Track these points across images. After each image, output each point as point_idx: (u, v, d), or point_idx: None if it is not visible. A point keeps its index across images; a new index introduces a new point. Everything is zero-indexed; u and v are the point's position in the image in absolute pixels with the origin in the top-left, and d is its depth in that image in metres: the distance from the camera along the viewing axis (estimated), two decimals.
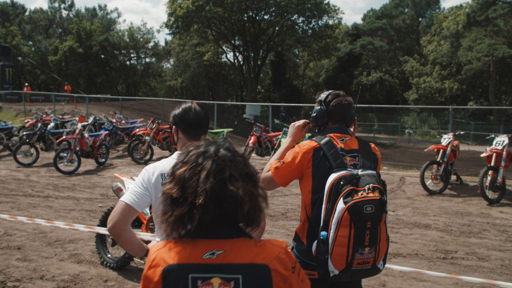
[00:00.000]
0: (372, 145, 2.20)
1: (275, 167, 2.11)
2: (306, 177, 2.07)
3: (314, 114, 2.25)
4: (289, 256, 1.20)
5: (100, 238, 4.30)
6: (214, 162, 1.17)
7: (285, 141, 2.32)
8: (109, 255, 4.23)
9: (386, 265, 2.10)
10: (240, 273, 1.11)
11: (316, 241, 1.94)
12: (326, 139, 2.10)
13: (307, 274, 1.38)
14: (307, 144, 2.11)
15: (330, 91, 2.27)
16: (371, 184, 1.90)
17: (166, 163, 1.83)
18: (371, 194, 1.87)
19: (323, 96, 2.25)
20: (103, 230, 3.98)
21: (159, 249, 1.17)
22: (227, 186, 1.14)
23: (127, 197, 1.77)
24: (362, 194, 1.86)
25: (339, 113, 2.20)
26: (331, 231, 1.87)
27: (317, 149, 2.06)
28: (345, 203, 1.85)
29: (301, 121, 2.34)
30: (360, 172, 1.95)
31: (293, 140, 2.32)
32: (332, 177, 1.94)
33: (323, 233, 1.89)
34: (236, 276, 1.11)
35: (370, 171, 1.98)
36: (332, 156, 2.02)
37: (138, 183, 1.81)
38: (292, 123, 2.39)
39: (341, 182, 1.90)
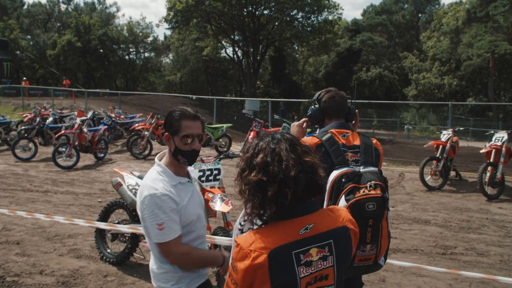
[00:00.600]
0: (374, 140, 2.19)
1: None
2: None
3: (309, 113, 2.29)
4: (351, 215, 1.47)
5: (100, 233, 4.29)
6: (286, 143, 1.32)
7: None
8: (108, 250, 4.23)
9: (386, 261, 2.09)
10: (331, 238, 1.30)
11: None
12: (328, 135, 2.09)
13: None
14: (308, 140, 2.10)
15: (323, 89, 2.32)
16: (372, 182, 1.89)
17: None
18: (373, 192, 1.86)
19: (316, 95, 2.30)
20: (102, 225, 3.97)
21: (254, 242, 1.27)
22: (304, 158, 1.31)
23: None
24: (364, 192, 1.85)
25: (332, 108, 2.21)
26: None
27: (319, 146, 2.05)
28: (347, 200, 1.84)
29: (301, 120, 2.39)
30: (362, 169, 1.94)
31: None
32: (334, 174, 1.93)
33: None
34: (328, 242, 1.30)
35: (372, 168, 1.97)
36: (334, 153, 2.01)
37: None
38: (293, 123, 2.42)
39: (343, 180, 1.89)
